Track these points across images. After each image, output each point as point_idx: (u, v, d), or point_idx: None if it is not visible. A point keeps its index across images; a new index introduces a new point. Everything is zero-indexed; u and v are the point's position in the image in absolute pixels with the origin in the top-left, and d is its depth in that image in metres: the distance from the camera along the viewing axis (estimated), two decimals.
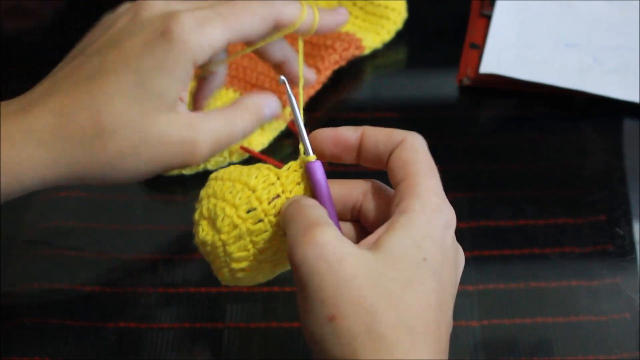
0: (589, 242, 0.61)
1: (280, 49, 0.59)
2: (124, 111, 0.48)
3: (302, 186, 0.45)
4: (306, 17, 0.56)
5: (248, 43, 0.56)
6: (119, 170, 0.48)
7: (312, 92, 0.69)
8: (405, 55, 0.75)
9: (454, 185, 0.65)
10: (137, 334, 0.57)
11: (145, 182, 0.65)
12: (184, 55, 0.49)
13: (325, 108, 0.70)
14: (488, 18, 0.75)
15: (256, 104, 0.54)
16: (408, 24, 0.74)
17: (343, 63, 0.71)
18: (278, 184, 0.45)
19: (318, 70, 0.69)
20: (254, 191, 0.44)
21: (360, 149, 0.45)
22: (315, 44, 0.70)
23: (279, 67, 0.60)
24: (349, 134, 0.45)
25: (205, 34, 0.50)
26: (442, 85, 0.73)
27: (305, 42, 0.71)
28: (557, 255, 0.60)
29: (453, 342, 0.56)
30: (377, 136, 0.44)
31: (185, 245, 0.62)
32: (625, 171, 0.65)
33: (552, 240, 0.61)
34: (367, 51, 0.72)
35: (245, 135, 0.53)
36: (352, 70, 0.72)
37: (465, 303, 0.57)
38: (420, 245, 0.40)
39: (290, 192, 0.45)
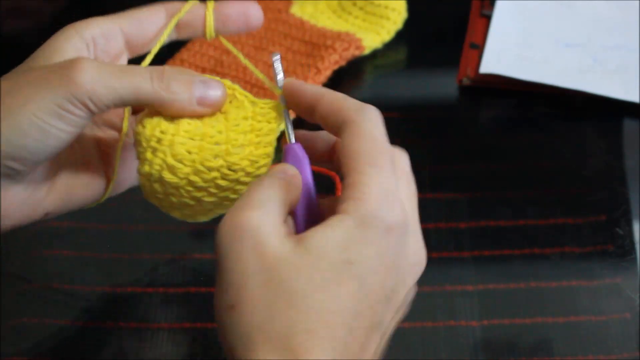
0: (589, 242, 0.61)
1: None
2: (12, 74, 0.44)
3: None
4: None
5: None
6: (13, 122, 0.41)
7: None
8: (405, 55, 0.75)
9: (454, 185, 0.65)
10: (137, 334, 0.57)
11: None
12: (64, 31, 0.46)
13: None
14: (488, 18, 0.75)
15: (182, 72, 0.45)
16: (408, 24, 0.74)
17: (343, 63, 0.71)
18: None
19: (318, 71, 0.69)
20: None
21: (314, 113, 0.43)
22: (316, 44, 0.70)
23: None
24: (307, 90, 0.44)
25: (88, 19, 0.47)
26: (442, 85, 0.73)
27: (305, 42, 0.71)
28: (557, 255, 0.60)
29: (453, 342, 0.56)
30: (331, 106, 0.42)
31: (185, 245, 0.62)
32: (625, 171, 0.65)
33: (552, 240, 0.61)
34: (367, 51, 0.72)
35: (156, 88, 0.43)
36: (352, 70, 0.72)
37: (465, 303, 0.57)
38: (346, 247, 0.38)
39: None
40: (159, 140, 0.44)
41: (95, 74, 0.42)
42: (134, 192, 0.65)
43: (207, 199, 0.45)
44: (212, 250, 0.62)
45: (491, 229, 0.62)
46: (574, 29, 0.74)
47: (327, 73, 0.70)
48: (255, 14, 0.48)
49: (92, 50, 0.46)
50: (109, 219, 0.63)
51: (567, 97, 0.70)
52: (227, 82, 0.46)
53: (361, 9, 0.74)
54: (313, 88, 0.43)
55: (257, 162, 0.45)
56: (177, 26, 0.48)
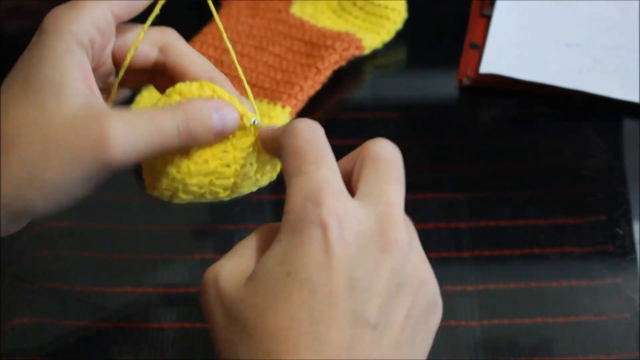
0: (589, 242, 0.61)
1: (201, 66, 0.48)
2: (18, 112, 0.41)
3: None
4: None
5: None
6: (41, 188, 0.41)
7: (312, 92, 0.69)
8: (405, 55, 0.75)
9: (454, 185, 0.65)
10: (137, 334, 0.57)
11: None
12: (60, 39, 0.42)
13: (325, 108, 0.70)
14: (488, 18, 0.75)
15: (199, 105, 0.44)
16: (408, 24, 0.74)
17: (343, 63, 0.71)
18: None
19: (318, 71, 0.69)
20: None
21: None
22: (315, 44, 0.70)
23: None
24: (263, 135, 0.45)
25: (78, 12, 0.43)
26: (442, 85, 0.73)
27: (305, 42, 0.71)
28: (557, 255, 0.60)
29: (453, 342, 0.56)
30: (271, 141, 0.43)
31: (185, 245, 0.62)
32: (625, 171, 0.65)
33: (552, 240, 0.61)
34: (367, 51, 0.72)
35: (182, 139, 0.43)
36: (352, 70, 0.72)
37: (465, 303, 0.57)
38: (283, 261, 0.37)
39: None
40: (172, 178, 0.45)
41: (127, 143, 0.41)
42: (134, 192, 0.65)
43: (205, 201, 0.47)
44: (212, 250, 0.63)
45: (491, 229, 0.62)
46: (574, 29, 0.74)
47: (327, 73, 0.70)
48: None
49: (91, 54, 0.45)
50: (109, 219, 0.63)
51: (567, 97, 0.70)
52: (237, 104, 0.46)
53: (361, 9, 0.74)
54: (267, 131, 0.44)
55: (260, 185, 0.47)
56: None
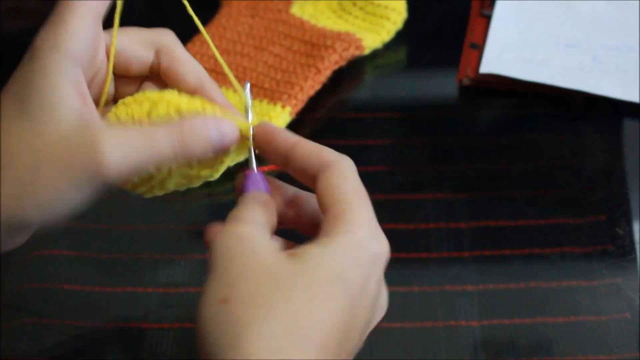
0: (589, 242, 0.61)
1: (194, 73, 0.47)
2: (14, 131, 0.41)
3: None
4: None
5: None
6: (35, 201, 0.40)
7: (312, 92, 0.69)
8: (405, 55, 0.75)
9: (454, 186, 0.65)
10: (137, 334, 0.57)
11: None
12: (53, 59, 0.42)
13: (325, 108, 0.70)
14: (488, 18, 0.75)
15: (196, 122, 0.43)
16: (408, 24, 0.74)
17: (343, 63, 0.71)
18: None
19: (318, 71, 0.69)
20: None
21: (288, 157, 0.43)
22: (315, 44, 0.70)
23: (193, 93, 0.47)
24: (281, 136, 0.44)
25: (67, 28, 0.43)
26: (442, 85, 0.73)
27: (305, 42, 0.71)
28: (557, 255, 0.60)
29: (453, 342, 0.56)
30: (309, 151, 0.43)
31: (185, 245, 0.62)
32: (625, 171, 0.65)
33: (552, 240, 0.61)
34: (367, 51, 0.72)
35: (178, 155, 0.42)
36: (352, 70, 0.72)
37: (465, 303, 0.57)
38: (341, 265, 0.39)
39: None
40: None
41: (120, 157, 0.40)
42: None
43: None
44: None
45: (491, 229, 0.62)
46: (574, 29, 0.74)
47: (327, 73, 0.70)
48: None
49: (85, 67, 0.44)
50: (109, 219, 0.63)
51: (567, 97, 0.70)
52: (230, 116, 0.45)
53: (361, 9, 0.74)
54: (287, 133, 0.44)
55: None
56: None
